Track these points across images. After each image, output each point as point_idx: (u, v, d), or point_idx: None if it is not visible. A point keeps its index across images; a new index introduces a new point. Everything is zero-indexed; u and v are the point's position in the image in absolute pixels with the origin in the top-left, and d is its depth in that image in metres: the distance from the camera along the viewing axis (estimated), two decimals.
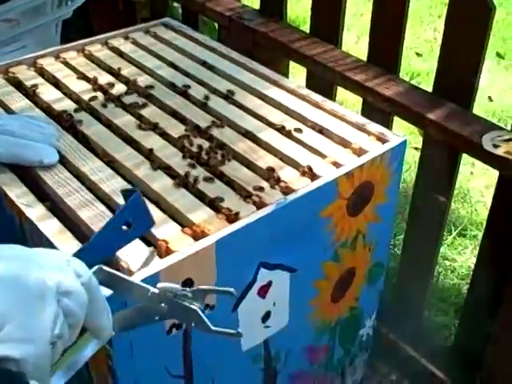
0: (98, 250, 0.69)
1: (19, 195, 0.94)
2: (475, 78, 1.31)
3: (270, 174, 1.00)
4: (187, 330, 0.91)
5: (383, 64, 1.47)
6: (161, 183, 0.98)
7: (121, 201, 0.92)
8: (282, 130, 1.11)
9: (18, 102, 1.16)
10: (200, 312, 0.70)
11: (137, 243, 0.86)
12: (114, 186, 0.96)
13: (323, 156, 1.05)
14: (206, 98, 1.18)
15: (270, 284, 1.00)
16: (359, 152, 1.06)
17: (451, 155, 1.38)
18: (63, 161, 1.02)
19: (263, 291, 1.00)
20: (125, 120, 1.12)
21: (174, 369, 0.93)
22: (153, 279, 0.81)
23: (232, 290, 0.73)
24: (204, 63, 1.31)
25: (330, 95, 1.52)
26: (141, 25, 1.47)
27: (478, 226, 2.09)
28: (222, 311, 0.94)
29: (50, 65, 1.28)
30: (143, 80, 1.24)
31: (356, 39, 3.02)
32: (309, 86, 1.50)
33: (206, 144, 1.06)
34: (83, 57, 1.32)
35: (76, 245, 0.85)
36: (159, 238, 0.87)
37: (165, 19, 1.49)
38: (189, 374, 0.96)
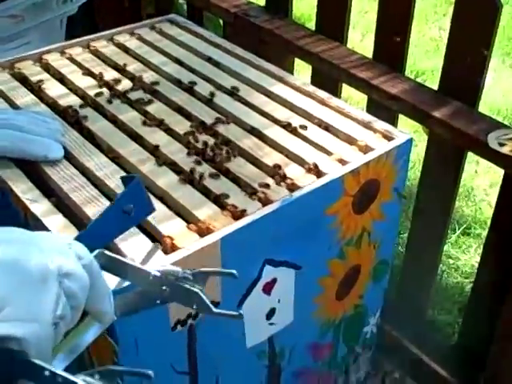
0: (97, 235, 0.69)
1: (24, 191, 0.94)
2: (481, 77, 1.31)
3: (275, 171, 1.00)
4: (192, 326, 0.91)
5: (389, 62, 1.46)
6: (166, 179, 0.98)
7: None
8: (287, 126, 1.11)
9: (24, 97, 1.16)
10: (202, 294, 0.71)
11: (142, 239, 0.86)
12: (119, 181, 0.95)
13: (329, 153, 1.05)
14: (212, 94, 1.18)
15: (274, 281, 1.00)
16: (365, 149, 1.06)
17: (456, 153, 1.38)
18: (68, 156, 1.02)
19: (268, 288, 1.00)
20: (130, 116, 1.12)
21: (178, 365, 0.93)
22: None
23: (234, 271, 0.74)
24: (209, 59, 1.31)
25: (335, 92, 1.52)
26: (146, 21, 1.47)
27: (482, 225, 2.09)
28: (226, 308, 0.93)
29: (55, 60, 1.28)
30: (148, 76, 1.24)
31: (361, 37, 3.01)
32: (314, 83, 1.50)
33: (211, 140, 1.06)
34: (89, 53, 1.32)
35: None
36: (164, 234, 0.87)
37: (170, 15, 1.49)
38: (194, 370, 0.96)
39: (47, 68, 1.26)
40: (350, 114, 1.15)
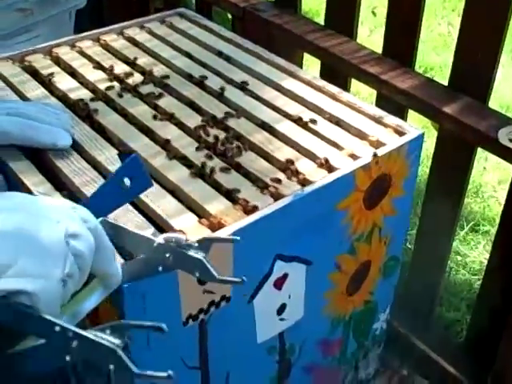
0: (97, 207, 0.69)
1: (36, 183, 0.94)
2: (492, 72, 1.30)
3: (286, 166, 0.99)
4: (204, 321, 0.90)
5: (398, 57, 1.46)
6: (177, 173, 0.97)
7: None
8: (298, 121, 1.10)
9: (34, 90, 1.15)
10: (205, 261, 0.71)
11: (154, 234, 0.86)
12: None
13: (340, 148, 1.04)
14: (222, 88, 1.17)
15: (285, 276, 1.00)
16: (376, 144, 1.05)
17: (466, 149, 1.37)
18: (79, 150, 1.02)
19: (279, 283, 0.99)
20: (141, 110, 1.11)
21: (189, 360, 0.93)
22: None
23: (237, 238, 0.75)
24: (220, 53, 1.30)
25: (344, 87, 1.51)
26: (156, 14, 1.47)
27: (491, 222, 2.08)
28: (237, 303, 0.94)
29: (65, 54, 1.28)
30: (159, 70, 1.23)
31: (369, 32, 3.00)
32: (322, 78, 1.49)
33: (222, 135, 1.06)
34: (99, 46, 1.32)
35: None
36: (176, 228, 0.87)
37: (180, 9, 1.49)
38: (204, 365, 0.96)
39: (57, 61, 1.26)
40: (361, 108, 1.14)
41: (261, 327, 1.01)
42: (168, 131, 1.06)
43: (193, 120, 1.09)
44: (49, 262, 0.58)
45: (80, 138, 1.03)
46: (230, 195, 0.94)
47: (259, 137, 1.06)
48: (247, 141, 1.05)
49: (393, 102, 1.39)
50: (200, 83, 1.20)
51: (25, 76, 1.20)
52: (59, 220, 0.60)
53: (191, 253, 0.71)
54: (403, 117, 1.41)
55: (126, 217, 0.86)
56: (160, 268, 0.72)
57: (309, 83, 1.21)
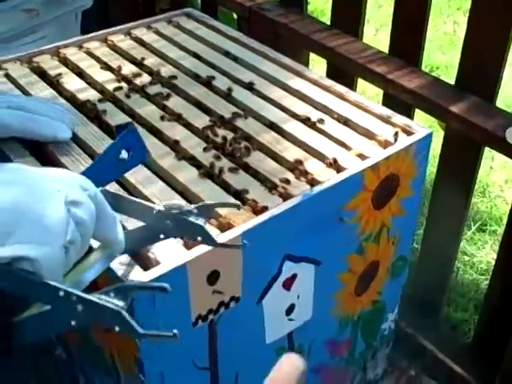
0: (94, 179, 0.69)
1: None
2: (499, 71, 1.30)
3: (295, 166, 0.99)
4: (213, 322, 0.90)
5: (405, 56, 1.46)
6: (186, 174, 0.97)
7: (147, 190, 0.93)
8: (306, 121, 1.10)
9: (43, 91, 1.15)
10: (205, 227, 0.71)
11: None
12: (138, 176, 0.95)
13: (348, 148, 1.04)
14: (230, 88, 1.17)
15: (294, 276, 0.99)
16: (385, 144, 1.05)
17: (473, 149, 1.37)
18: (88, 150, 1.02)
19: (288, 284, 0.99)
20: (149, 110, 1.11)
21: (199, 361, 0.93)
22: (180, 270, 0.81)
23: (238, 203, 0.77)
24: (227, 53, 1.30)
25: (351, 87, 1.51)
26: (163, 15, 1.47)
27: (498, 221, 2.08)
28: (246, 304, 0.93)
29: (73, 54, 1.28)
30: (166, 70, 1.23)
31: (374, 32, 3.00)
32: (329, 77, 1.49)
33: (230, 135, 1.05)
34: (106, 47, 1.32)
35: None
36: None
37: (187, 9, 1.49)
38: (214, 366, 0.95)
39: (65, 62, 1.26)
40: (368, 108, 1.14)
41: (270, 328, 1.01)
42: (176, 132, 1.06)
43: (200, 120, 1.09)
44: (50, 230, 0.58)
45: (88, 138, 1.03)
46: (239, 196, 0.94)
47: (267, 137, 1.06)
48: (255, 141, 1.05)
49: (399, 102, 1.39)
50: (207, 83, 1.20)
51: (33, 77, 1.20)
52: (59, 189, 0.60)
53: (192, 219, 0.72)
54: (410, 116, 1.41)
55: None
56: (161, 235, 0.73)
57: (316, 83, 1.21)
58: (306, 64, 1.69)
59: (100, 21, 1.98)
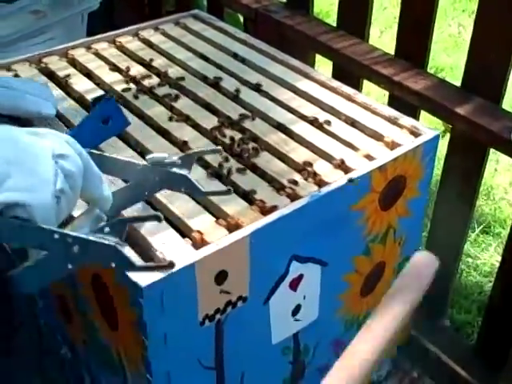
0: (79, 141, 0.71)
1: None
2: (505, 73, 1.30)
3: (303, 167, 1.00)
4: (220, 321, 0.91)
5: (411, 58, 1.46)
6: (194, 174, 0.96)
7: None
8: (314, 122, 1.10)
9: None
10: (189, 176, 0.72)
11: (172, 233, 0.86)
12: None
13: (356, 149, 1.04)
14: (238, 90, 1.18)
15: (301, 277, 1.00)
16: (392, 145, 1.05)
17: (479, 150, 1.37)
18: (97, 152, 1.02)
19: (295, 284, 0.99)
20: (157, 111, 1.12)
21: (205, 360, 0.93)
22: (188, 270, 0.81)
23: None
24: (235, 55, 1.31)
25: (356, 89, 1.51)
26: (170, 16, 1.47)
27: (502, 224, 2.07)
28: (253, 304, 0.94)
29: (81, 56, 1.28)
30: (174, 71, 1.24)
31: (379, 33, 3.00)
32: (334, 79, 1.50)
33: (238, 136, 1.06)
34: (114, 48, 1.33)
35: None
36: (194, 229, 0.87)
37: (194, 11, 1.49)
38: (220, 365, 0.96)
39: (73, 63, 1.27)
40: (376, 109, 1.14)
41: (276, 328, 1.01)
42: (184, 132, 1.07)
43: (208, 121, 1.10)
44: (40, 178, 0.61)
45: None
46: (247, 196, 0.94)
47: (275, 138, 1.06)
48: (263, 142, 1.05)
49: (405, 103, 1.39)
50: (215, 85, 1.20)
51: (41, 78, 1.21)
52: (46, 144, 0.63)
53: (175, 170, 0.73)
54: (415, 118, 1.41)
55: None
56: (146, 192, 0.75)
57: (324, 84, 1.22)
58: (312, 65, 1.69)
59: (105, 23, 1.99)
